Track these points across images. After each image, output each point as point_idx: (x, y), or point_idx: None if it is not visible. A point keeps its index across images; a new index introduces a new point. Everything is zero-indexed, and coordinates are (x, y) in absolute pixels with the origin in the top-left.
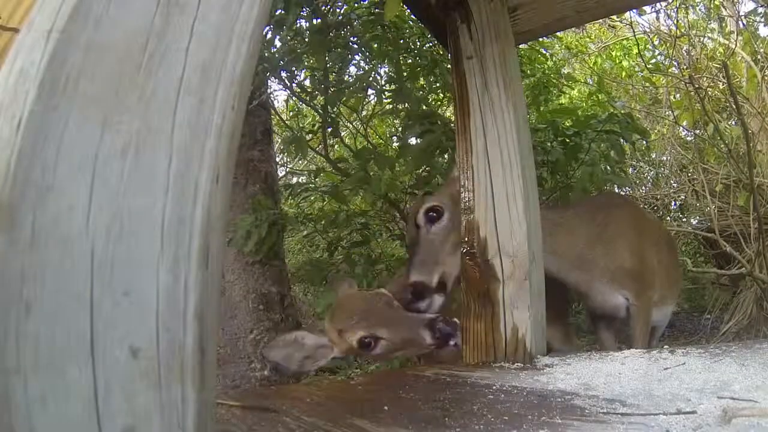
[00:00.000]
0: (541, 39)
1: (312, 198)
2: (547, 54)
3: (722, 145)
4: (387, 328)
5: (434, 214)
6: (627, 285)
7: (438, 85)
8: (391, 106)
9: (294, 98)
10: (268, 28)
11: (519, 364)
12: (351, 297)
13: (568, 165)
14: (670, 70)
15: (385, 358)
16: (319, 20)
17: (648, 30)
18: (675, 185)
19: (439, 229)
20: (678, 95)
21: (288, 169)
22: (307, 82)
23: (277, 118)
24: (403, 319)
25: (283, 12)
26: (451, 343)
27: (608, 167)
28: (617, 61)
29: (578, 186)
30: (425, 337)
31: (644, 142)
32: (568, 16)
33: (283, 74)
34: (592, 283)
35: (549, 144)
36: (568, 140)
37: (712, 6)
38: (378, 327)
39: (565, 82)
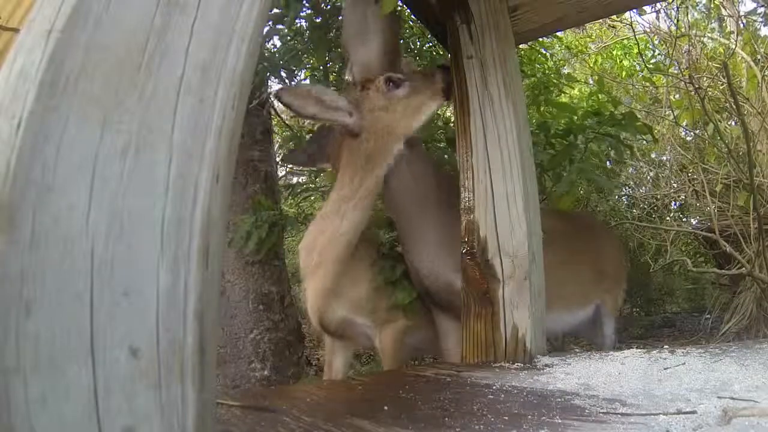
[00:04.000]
0: (541, 39)
1: (312, 198)
2: (547, 54)
3: (722, 145)
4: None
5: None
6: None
7: None
8: None
9: None
10: (267, 27)
11: (519, 364)
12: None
13: (560, 165)
14: (670, 70)
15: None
16: (320, 19)
17: (648, 30)
18: (675, 185)
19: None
20: (678, 95)
21: (288, 169)
22: (307, 82)
23: (277, 118)
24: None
25: (281, 10)
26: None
27: (598, 168)
28: (617, 61)
29: (566, 180)
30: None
31: (645, 142)
32: (568, 16)
33: (283, 74)
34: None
35: (541, 146)
36: (561, 140)
37: (712, 6)
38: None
39: (566, 82)
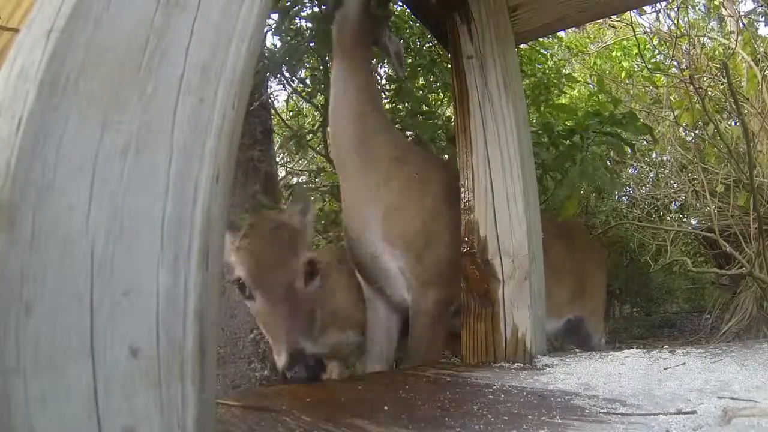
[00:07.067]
0: (541, 39)
1: (312, 198)
2: (547, 54)
3: (722, 145)
4: (266, 298)
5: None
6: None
7: (438, 84)
8: (390, 105)
9: (294, 98)
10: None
11: (519, 364)
12: (276, 232)
13: (562, 166)
14: (670, 70)
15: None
16: (322, 10)
17: (648, 30)
18: (675, 185)
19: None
20: (678, 95)
21: (288, 169)
22: (308, 82)
23: (277, 118)
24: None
25: (279, 13)
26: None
27: (601, 167)
28: (617, 62)
29: (568, 182)
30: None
31: (645, 142)
32: (568, 16)
33: (284, 70)
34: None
35: (544, 147)
36: (563, 141)
37: (712, 6)
38: (258, 287)
39: (566, 83)
